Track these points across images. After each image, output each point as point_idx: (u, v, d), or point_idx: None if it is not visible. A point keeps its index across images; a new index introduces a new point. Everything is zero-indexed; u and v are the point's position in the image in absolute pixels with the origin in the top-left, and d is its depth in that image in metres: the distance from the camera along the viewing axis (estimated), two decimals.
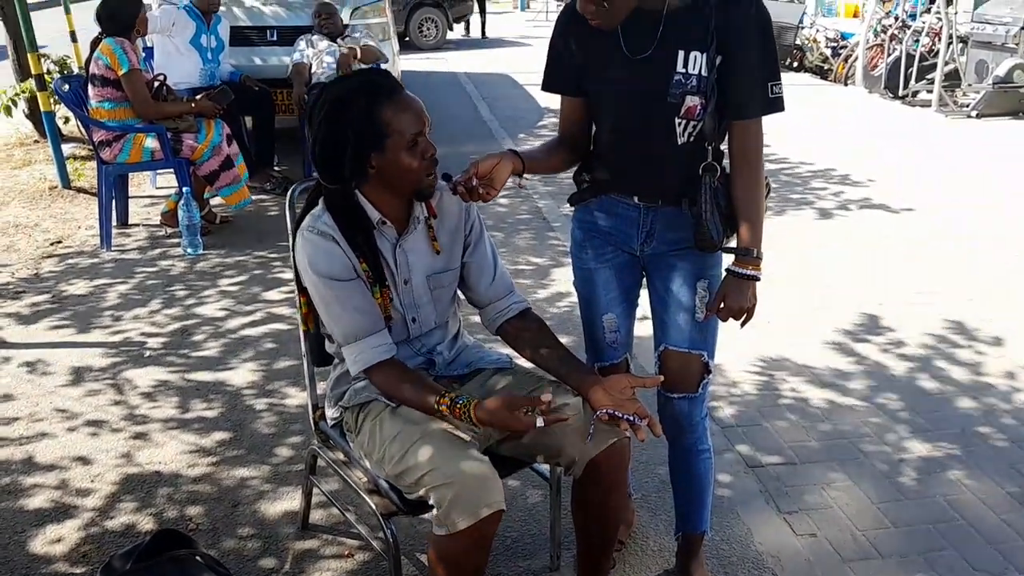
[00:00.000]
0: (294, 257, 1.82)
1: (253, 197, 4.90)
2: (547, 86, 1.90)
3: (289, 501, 2.41)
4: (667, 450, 2.08)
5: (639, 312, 2.04)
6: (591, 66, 1.78)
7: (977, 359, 3.30)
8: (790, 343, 3.42)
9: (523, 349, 1.87)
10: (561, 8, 1.86)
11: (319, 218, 1.75)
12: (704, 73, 1.68)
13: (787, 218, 5.04)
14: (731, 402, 2.98)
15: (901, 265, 4.29)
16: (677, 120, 1.71)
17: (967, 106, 7.94)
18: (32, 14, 5.36)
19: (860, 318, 3.66)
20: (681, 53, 1.68)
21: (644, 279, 1.97)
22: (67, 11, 7.35)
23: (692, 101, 1.69)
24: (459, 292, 1.96)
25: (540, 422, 1.59)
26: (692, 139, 1.74)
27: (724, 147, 1.80)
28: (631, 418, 1.66)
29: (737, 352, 3.29)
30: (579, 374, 1.77)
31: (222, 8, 5.47)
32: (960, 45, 8.19)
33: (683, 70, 1.68)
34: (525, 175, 1.82)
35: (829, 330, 3.55)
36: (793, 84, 9.64)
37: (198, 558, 1.88)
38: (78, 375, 3.16)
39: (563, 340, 3.34)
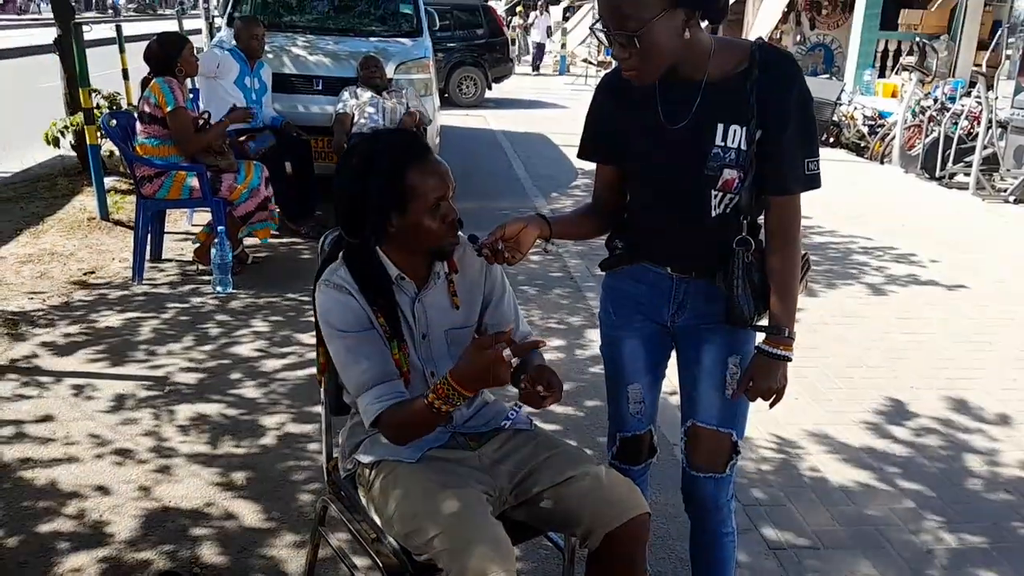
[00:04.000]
0: (314, 307, 1.81)
1: (284, 239, 4.95)
2: (583, 154, 1.90)
3: (298, 551, 2.37)
4: (687, 526, 2.01)
5: (665, 384, 2.01)
6: (628, 135, 1.78)
7: (1011, 450, 3.19)
8: (818, 421, 3.35)
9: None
10: (600, 74, 1.87)
11: (335, 271, 1.76)
12: (743, 147, 1.66)
13: (824, 291, 4.98)
14: (755, 479, 2.91)
15: (935, 347, 4.21)
16: (713, 192, 1.70)
17: (1004, 191, 7.87)
18: (88, 50, 5.53)
19: (892, 399, 3.58)
20: (720, 126, 1.67)
21: (673, 351, 1.94)
22: (121, 50, 7.60)
23: (730, 174, 1.68)
24: None
25: (507, 352, 1.51)
26: (728, 211, 1.72)
27: (760, 220, 1.78)
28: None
29: (762, 427, 3.22)
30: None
31: (270, 55, 5.63)
32: (999, 130, 8.15)
33: (721, 143, 1.67)
34: (553, 240, 1.82)
35: (860, 410, 3.47)
36: (829, 160, 9.64)
37: None
38: (106, 406, 3.17)
39: (590, 404, 3.32)
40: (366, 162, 1.70)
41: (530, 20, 22.77)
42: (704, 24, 1.65)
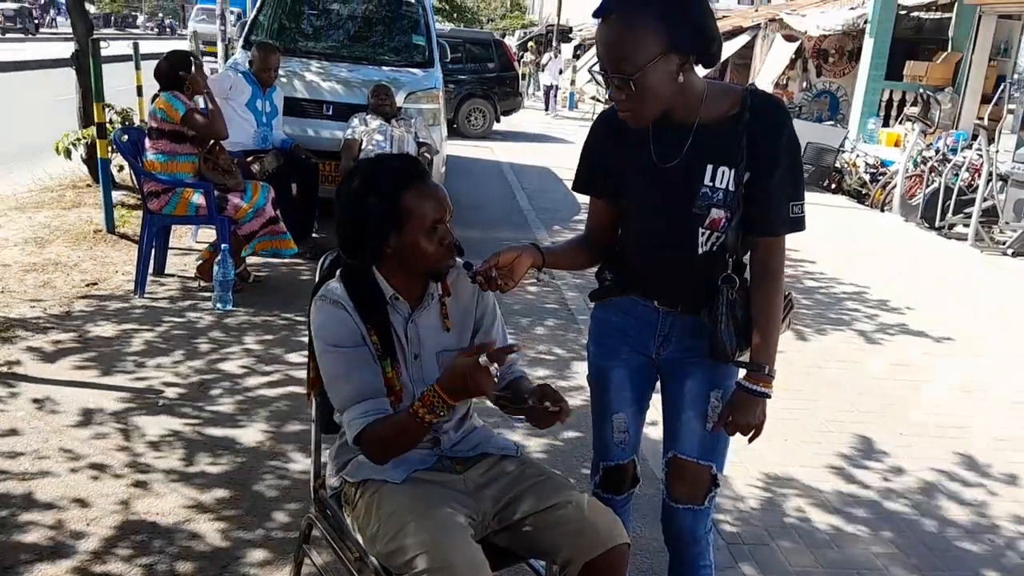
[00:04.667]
0: (308, 322, 1.85)
1: (287, 260, 5.01)
2: (578, 187, 1.96)
3: (280, 569, 2.37)
4: (668, 560, 2.03)
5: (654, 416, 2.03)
6: (621, 171, 1.83)
7: (996, 501, 3.20)
8: (806, 463, 3.36)
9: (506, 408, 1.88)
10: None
11: (332, 288, 1.80)
12: (731, 188, 1.72)
13: (819, 336, 5.02)
14: (738, 517, 2.92)
15: (927, 395, 4.22)
16: (700, 230, 1.75)
17: (1003, 243, 7.93)
18: (105, 66, 5.63)
19: (878, 445, 3.59)
20: (709, 167, 1.72)
21: (658, 382, 1.97)
22: (137, 67, 7.73)
23: (717, 214, 1.73)
24: None
25: (483, 359, 1.55)
26: (714, 249, 1.77)
27: (746, 260, 1.82)
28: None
29: (749, 466, 3.24)
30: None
31: (283, 79, 5.72)
32: (1000, 183, 8.24)
33: (710, 183, 1.72)
34: (546, 269, 1.86)
35: (848, 454, 3.48)
36: (830, 205, 9.73)
37: None
38: (89, 416, 3.18)
39: (574, 435, 3.33)
40: (367, 184, 1.75)
41: (543, 60, 22.55)
42: (705, 72, 1.71)
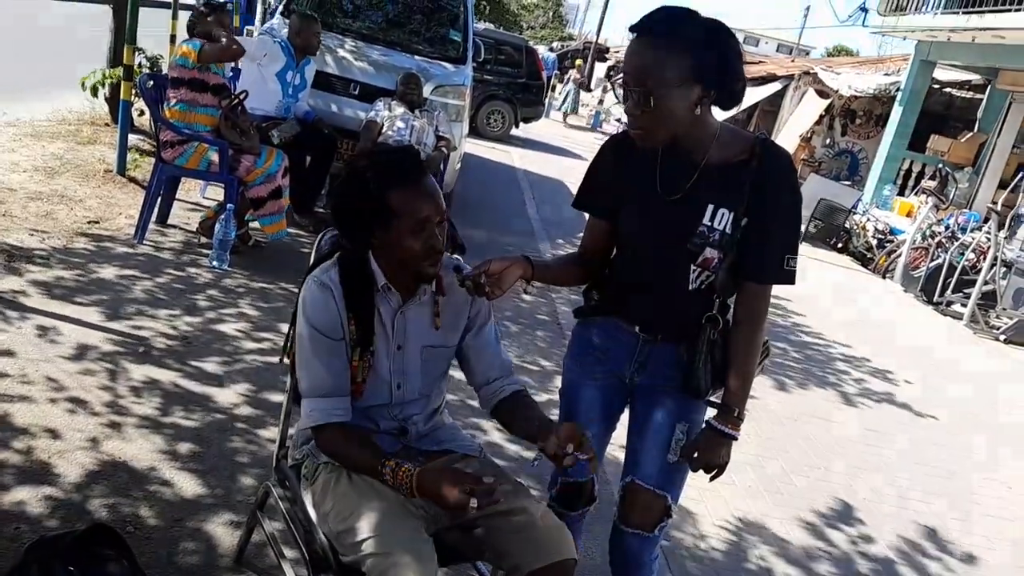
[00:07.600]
0: (298, 296, 1.86)
1: (290, 230, 5.02)
2: (579, 204, 1.99)
3: (232, 531, 2.40)
4: None
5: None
6: (623, 196, 1.86)
7: (945, 574, 3.23)
8: (767, 512, 3.38)
9: (511, 425, 1.92)
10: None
11: (327, 271, 1.81)
12: (728, 230, 1.75)
13: (799, 390, 5.04)
14: (696, 556, 2.94)
15: (899, 467, 4.25)
16: (692, 267, 1.78)
17: (997, 328, 7.97)
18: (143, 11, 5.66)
19: (843, 506, 3.62)
20: (710, 207, 1.75)
21: (628, 407, 2.00)
22: (174, 16, 7.75)
23: (711, 253, 1.76)
24: (451, 372, 1.99)
25: (473, 503, 1.56)
26: (703, 287, 1.80)
27: (731, 302, 1.85)
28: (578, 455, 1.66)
29: (712, 507, 3.26)
30: (547, 427, 1.77)
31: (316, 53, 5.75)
32: (1003, 269, 8.28)
33: (708, 223, 1.75)
34: (534, 283, 1.89)
35: (809, 510, 3.51)
36: (833, 264, 9.78)
37: (124, 562, 1.87)
38: (80, 353, 3.21)
39: None
40: (355, 178, 1.77)
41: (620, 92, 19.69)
42: (726, 115, 1.74)
